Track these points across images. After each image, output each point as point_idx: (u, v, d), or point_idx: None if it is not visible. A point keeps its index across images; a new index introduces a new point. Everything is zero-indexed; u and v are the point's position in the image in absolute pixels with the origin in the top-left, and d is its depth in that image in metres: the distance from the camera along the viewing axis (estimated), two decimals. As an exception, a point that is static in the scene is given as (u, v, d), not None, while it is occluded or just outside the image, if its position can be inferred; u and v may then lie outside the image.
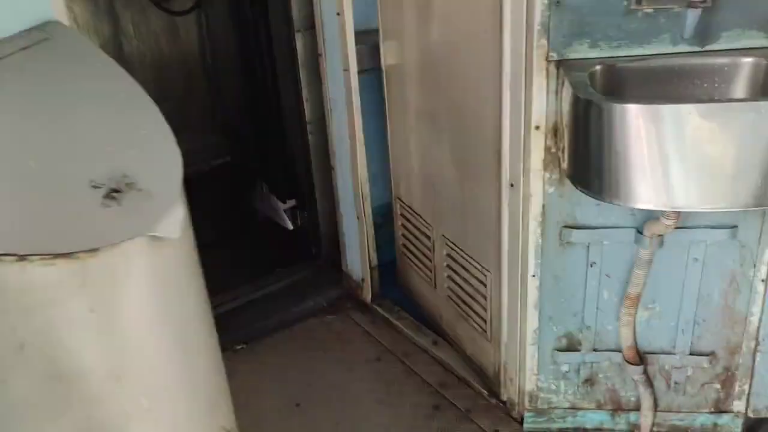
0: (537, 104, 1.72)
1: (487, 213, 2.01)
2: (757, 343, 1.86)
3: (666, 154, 1.34)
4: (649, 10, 1.59)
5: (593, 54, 1.65)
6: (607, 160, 1.40)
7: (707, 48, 1.61)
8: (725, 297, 1.83)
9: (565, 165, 1.59)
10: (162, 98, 4.05)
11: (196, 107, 3.92)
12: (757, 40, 1.59)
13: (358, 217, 2.64)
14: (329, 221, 2.91)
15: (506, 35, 1.73)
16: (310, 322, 2.69)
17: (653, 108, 1.31)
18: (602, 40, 1.64)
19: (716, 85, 1.60)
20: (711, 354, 1.90)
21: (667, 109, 1.31)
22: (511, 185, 1.86)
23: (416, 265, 2.57)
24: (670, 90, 1.62)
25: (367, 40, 2.54)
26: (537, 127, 1.74)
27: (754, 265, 1.78)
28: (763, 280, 1.79)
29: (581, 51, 1.65)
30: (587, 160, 1.47)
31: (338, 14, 2.35)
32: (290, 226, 3.40)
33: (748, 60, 1.56)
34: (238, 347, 2.56)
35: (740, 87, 1.58)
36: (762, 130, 1.29)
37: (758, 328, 1.84)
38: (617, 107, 1.34)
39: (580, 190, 1.52)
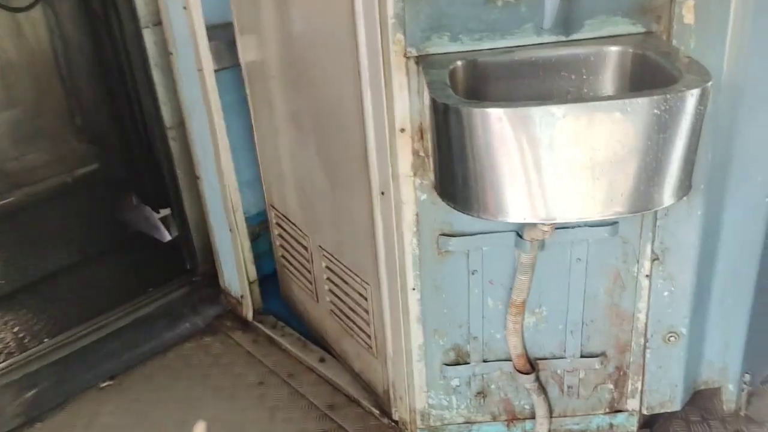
0: (399, 105, 1.55)
1: (361, 222, 1.84)
2: (646, 340, 1.79)
3: (533, 160, 1.20)
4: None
5: (454, 48, 1.50)
6: (472, 170, 1.26)
7: (572, 37, 1.49)
8: (611, 295, 1.75)
9: (431, 175, 1.43)
10: (10, 104, 3.66)
11: (51, 112, 3.54)
12: (621, 27, 1.48)
13: (230, 230, 2.41)
14: (203, 234, 2.67)
15: (360, 29, 1.55)
16: (187, 347, 2.46)
17: (514, 111, 1.17)
18: (463, 33, 1.49)
19: (584, 77, 1.48)
20: (602, 354, 1.82)
21: (528, 112, 1.17)
22: (382, 193, 1.70)
23: (297, 278, 2.38)
24: (537, 84, 1.49)
25: (224, 35, 2.30)
26: (402, 130, 1.58)
27: (638, 261, 1.70)
28: (647, 276, 1.71)
29: (441, 45, 1.50)
30: (452, 170, 1.32)
31: (185, 8, 2.10)
32: (167, 237, 3.13)
33: (614, 49, 1.45)
34: (104, 384, 2.30)
35: (608, 78, 1.47)
36: (630, 129, 1.18)
37: (646, 324, 1.77)
38: (476, 112, 1.19)
39: (447, 204, 1.37)
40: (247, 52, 2.23)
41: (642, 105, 1.15)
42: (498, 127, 1.19)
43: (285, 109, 2.10)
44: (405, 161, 1.61)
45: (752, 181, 1.66)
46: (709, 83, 1.20)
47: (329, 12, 1.68)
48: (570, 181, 1.19)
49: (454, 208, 1.34)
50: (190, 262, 2.78)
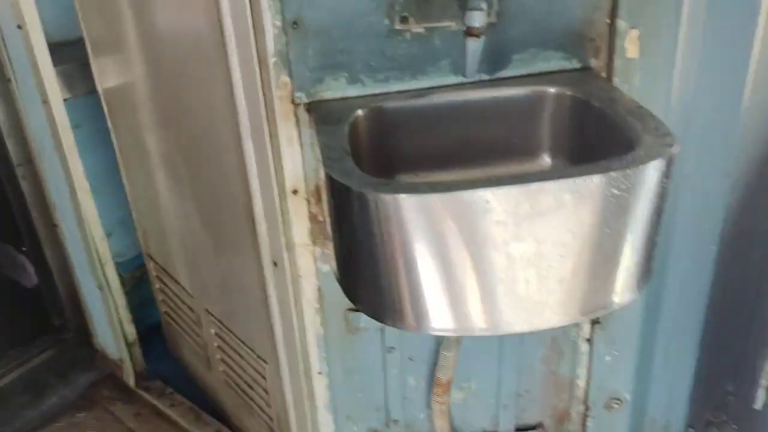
0: (290, 162, 1.24)
1: (252, 292, 1.52)
2: (587, 408, 1.58)
3: (462, 259, 0.93)
4: (419, 30, 1.16)
5: (354, 91, 1.20)
6: (384, 269, 0.97)
7: (498, 75, 1.22)
8: (548, 363, 1.52)
9: (333, 263, 1.13)
10: None
11: None
12: (555, 62, 1.23)
13: (99, 287, 2.02)
14: (70, 284, 2.26)
15: (235, 69, 1.22)
16: (55, 428, 2.06)
17: (438, 198, 0.89)
18: (364, 73, 1.19)
19: (513, 123, 1.22)
20: (538, 426, 1.60)
21: (455, 198, 0.89)
22: (274, 264, 1.39)
23: (185, 339, 2.03)
24: (457, 134, 1.22)
25: (79, 55, 1.90)
26: (294, 191, 1.27)
27: (576, 325, 1.48)
28: (587, 340, 1.49)
29: (338, 89, 1.19)
30: (357, 265, 1.02)
31: (20, 27, 1.69)
32: (34, 280, 2.68)
33: (550, 91, 1.19)
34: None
35: (543, 126, 1.21)
36: (583, 214, 0.92)
37: (586, 391, 1.56)
38: (387, 199, 0.90)
39: (355, 305, 1.07)
40: (104, 77, 1.84)
41: (597, 184, 0.90)
42: (415, 217, 0.91)
43: (157, 150, 1.73)
44: (301, 228, 1.31)
45: (699, 229, 1.47)
46: (675, 148, 0.96)
47: (194, 39, 1.34)
48: (510, 284, 0.93)
49: (363, 312, 1.04)
50: (57, 317, 2.36)
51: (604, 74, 1.24)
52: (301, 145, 1.23)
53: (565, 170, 0.90)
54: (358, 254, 0.99)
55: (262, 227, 1.36)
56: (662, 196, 0.96)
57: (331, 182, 0.96)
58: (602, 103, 1.13)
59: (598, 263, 0.94)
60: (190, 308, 1.88)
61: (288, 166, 1.25)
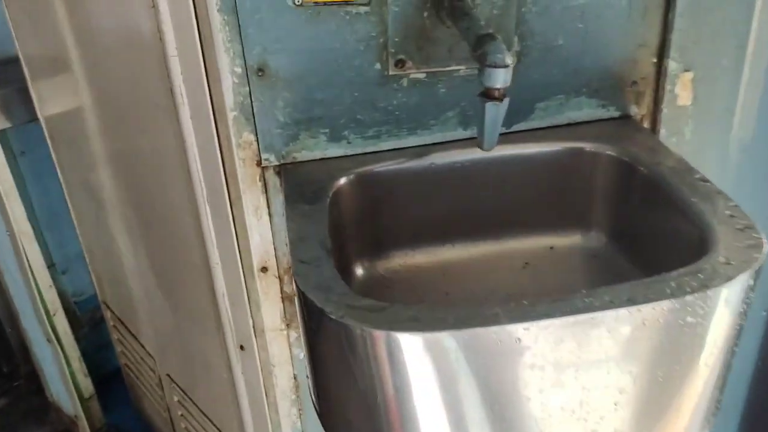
0: (257, 235, 1.00)
1: (218, 372, 1.28)
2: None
3: (481, 411, 0.69)
4: (419, 76, 0.91)
5: (337, 151, 0.95)
6: (375, 417, 0.72)
7: (516, 128, 0.98)
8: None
9: (311, 390, 0.88)
10: None
11: None
12: (587, 110, 0.99)
13: (48, 340, 1.77)
14: (19, 331, 2.00)
15: (186, 123, 0.96)
16: (2, 499, 1.82)
17: (449, 337, 0.64)
18: (349, 128, 0.94)
19: (536, 188, 0.98)
20: None
21: (474, 338, 0.65)
22: (241, 347, 1.15)
23: (148, 396, 1.79)
24: (466, 202, 0.98)
25: (20, 77, 1.63)
26: (264, 269, 1.03)
27: (602, 409, 1.25)
28: (614, 425, 1.27)
29: (316, 148, 0.95)
30: (339, 404, 0.78)
31: (-61, 48, 1.42)
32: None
33: (582, 149, 0.95)
34: None
35: (573, 193, 0.97)
36: (645, 350, 0.68)
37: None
38: (379, 337, 0.66)
39: (337, 447, 0.83)
40: (46, 103, 1.57)
41: (667, 311, 0.66)
42: (419, 359, 0.66)
43: (107, 192, 1.47)
44: (272, 310, 1.07)
45: (747, 295, 1.24)
46: (765, 251, 0.72)
47: (141, 81, 1.08)
48: (547, 442, 0.69)
49: (351, 459, 0.80)
50: (6, 364, 2.11)
51: (647, 125, 1.01)
52: (271, 215, 0.99)
53: (622, 291, 0.66)
54: (340, 393, 0.75)
55: (225, 306, 1.12)
56: (745, 314, 0.73)
57: (305, 300, 0.71)
58: (651, 169, 0.89)
59: (662, 408, 0.71)
60: (151, 369, 1.64)
61: (255, 240, 1.00)
